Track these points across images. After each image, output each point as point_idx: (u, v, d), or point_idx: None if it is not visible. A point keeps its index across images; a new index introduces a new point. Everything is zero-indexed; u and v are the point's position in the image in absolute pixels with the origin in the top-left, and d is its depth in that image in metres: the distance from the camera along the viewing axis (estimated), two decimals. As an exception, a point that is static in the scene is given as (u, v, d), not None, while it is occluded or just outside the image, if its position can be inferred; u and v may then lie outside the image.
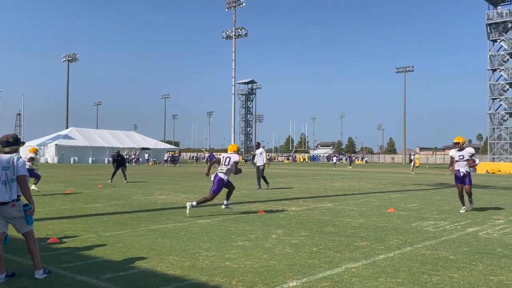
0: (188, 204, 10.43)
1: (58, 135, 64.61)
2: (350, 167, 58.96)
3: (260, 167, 18.54)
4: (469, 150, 11.44)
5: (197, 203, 10.49)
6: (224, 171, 10.67)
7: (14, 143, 5.40)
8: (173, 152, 59.28)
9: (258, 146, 20.20)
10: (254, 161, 19.50)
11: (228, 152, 11.16)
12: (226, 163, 10.74)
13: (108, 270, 5.62)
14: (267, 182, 18.75)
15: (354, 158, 78.27)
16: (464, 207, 11.59)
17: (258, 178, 18.56)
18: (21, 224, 5.28)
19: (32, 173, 15.69)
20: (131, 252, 6.61)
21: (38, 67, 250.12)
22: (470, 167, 11.36)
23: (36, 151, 17.37)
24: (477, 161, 11.37)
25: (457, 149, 11.48)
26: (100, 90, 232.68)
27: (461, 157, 11.40)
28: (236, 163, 10.72)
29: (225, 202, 11.20)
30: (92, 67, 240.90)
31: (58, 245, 7.10)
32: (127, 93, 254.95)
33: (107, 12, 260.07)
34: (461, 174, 11.41)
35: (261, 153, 18.90)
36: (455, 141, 11.52)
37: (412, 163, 41.40)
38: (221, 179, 10.60)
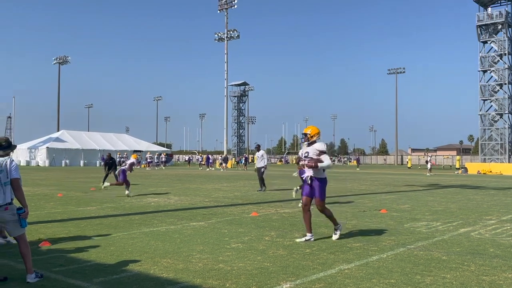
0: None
1: (50, 138, 64.14)
2: (358, 169, 54.76)
3: (262, 169, 18.74)
4: (318, 146, 7.71)
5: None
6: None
7: (7, 146, 5.38)
8: (149, 153, 57.16)
9: (258, 148, 20.26)
10: (255, 163, 19.73)
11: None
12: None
13: (101, 273, 5.58)
14: (264, 185, 18.85)
15: (358, 158, 74.86)
16: (310, 234, 7.72)
17: (260, 180, 18.79)
18: (13, 228, 5.25)
19: (124, 176, 17.40)
20: (123, 255, 6.57)
21: (29, 69, 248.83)
22: (308, 167, 7.63)
23: (137, 158, 19.07)
24: (325, 162, 7.56)
25: (306, 142, 7.93)
26: (92, 92, 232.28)
27: (306, 154, 7.78)
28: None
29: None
30: (83, 70, 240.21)
31: (50, 249, 7.05)
32: (119, 95, 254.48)
33: (99, 15, 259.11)
34: (308, 181, 7.72)
35: (262, 156, 19.15)
36: (303, 131, 8.04)
37: (429, 165, 40.08)
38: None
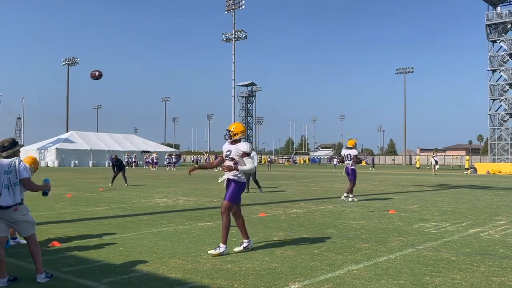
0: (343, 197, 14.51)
1: (59, 138, 64.60)
2: (373, 169, 53.93)
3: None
4: (242, 146, 6.96)
5: (347, 193, 14.52)
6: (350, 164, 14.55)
7: (10, 147, 5.40)
8: (155, 153, 56.69)
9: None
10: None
11: (347, 147, 15.08)
12: (349, 158, 14.59)
13: (110, 273, 5.62)
14: (259, 186, 18.15)
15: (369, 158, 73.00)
16: (246, 241, 7.00)
17: (247, 182, 17.53)
18: (23, 228, 5.29)
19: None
20: (132, 256, 6.61)
21: (38, 71, 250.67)
22: (227, 170, 6.94)
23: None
24: (248, 166, 6.89)
25: (228, 140, 7.14)
26: (100, 93, 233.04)
27: (228, 153, 7.03)
28: (356, 156, 14.59)
29: (347, 195, 14.49)
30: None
31: (60, 249, 7.10)
32: (127, 96, 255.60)
33: (107, 16, 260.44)
34: (225, 183, 7.03)
35: (252, 156, 18.45)
36: (227, 128, 7.20)
37: (434, 165, 39.27)
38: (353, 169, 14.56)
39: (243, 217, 7.11)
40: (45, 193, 5.68)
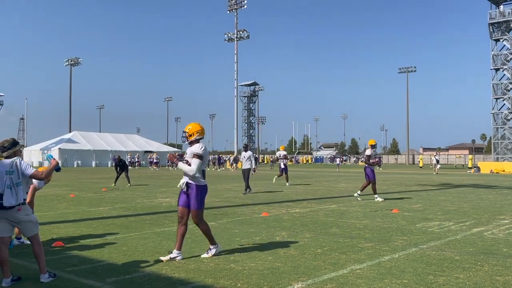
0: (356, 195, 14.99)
1: (62, 139, 64.75)
2: (380, 169, 52.34)
3: (249, 171, 17.59)
4: (194, 147, 6.53)
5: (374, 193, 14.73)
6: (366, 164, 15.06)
7: (10, 147, 5.41)
8: (153, 154, 56.27)
9: (246, 148, 18.81)
10: (241, 163, 18.27)
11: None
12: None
13: (113, 273, 5.62)
14: (249, 187, 17.54)
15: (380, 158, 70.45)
16: (176, 252, 6.44)
17: (247, 181, 17.57)
18: (26, 228, 5.30)
19: (285, 169, 21.92)
20: (136, 255, 6.61)
21: (41, 71, 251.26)
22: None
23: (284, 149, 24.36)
24: (191, 167, 6.38)
25: (187, 142, 6.68)
26: (103, 93, 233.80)
27: (187, 158, 6.59)
28: (368, 156, 14.80)
29: (359, 192, 14.98)
30: (94, 71, 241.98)
31: (63, 249, 7.11)
32: (130, 96, 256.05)
33: (109, 16, 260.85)
34: (184, 188, 6.52)
35: (249, 157, 17.93)
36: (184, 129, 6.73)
37: (435, 164, 39.35)
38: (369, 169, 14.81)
39: (186, 227, 6.55)
40: (57, 169, 5.75)
